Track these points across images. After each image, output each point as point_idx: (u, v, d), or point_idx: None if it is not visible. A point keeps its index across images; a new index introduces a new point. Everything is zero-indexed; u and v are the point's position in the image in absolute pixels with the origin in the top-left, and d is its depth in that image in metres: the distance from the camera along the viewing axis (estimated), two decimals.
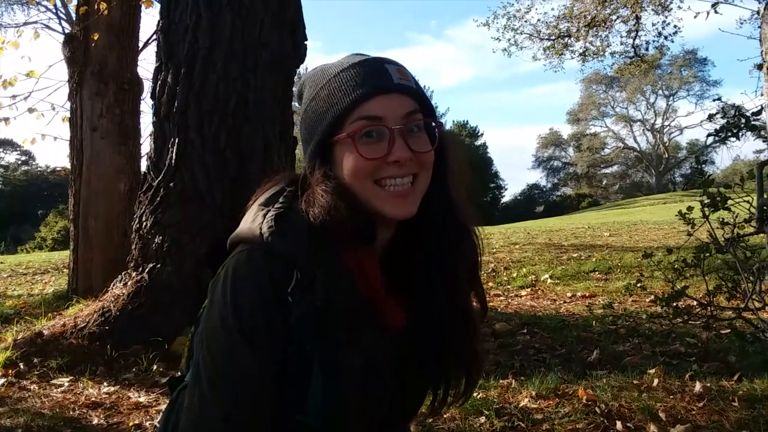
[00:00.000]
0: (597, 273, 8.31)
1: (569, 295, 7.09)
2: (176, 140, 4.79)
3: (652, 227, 14.52)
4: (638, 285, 3.27)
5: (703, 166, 3.44)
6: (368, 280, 1.10)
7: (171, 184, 4.74)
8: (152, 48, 7.53)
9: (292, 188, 1.20)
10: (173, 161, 4.77)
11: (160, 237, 4.73)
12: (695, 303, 2.93)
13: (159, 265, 4.71)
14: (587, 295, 6.93)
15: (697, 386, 3.44)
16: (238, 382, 1.03)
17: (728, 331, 2.88)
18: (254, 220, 1.12)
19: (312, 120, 1.15)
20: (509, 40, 17.77)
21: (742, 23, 14.18)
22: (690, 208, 3.08)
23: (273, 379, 1.05)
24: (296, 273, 1.05)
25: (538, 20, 17.53)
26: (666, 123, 63.73)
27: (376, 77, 1.09)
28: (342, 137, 1.09)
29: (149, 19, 19.80)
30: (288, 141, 5.40)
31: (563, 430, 3.04)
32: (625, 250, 9.97)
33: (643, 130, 64.70)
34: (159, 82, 5.04)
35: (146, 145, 6.67)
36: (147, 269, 4.74)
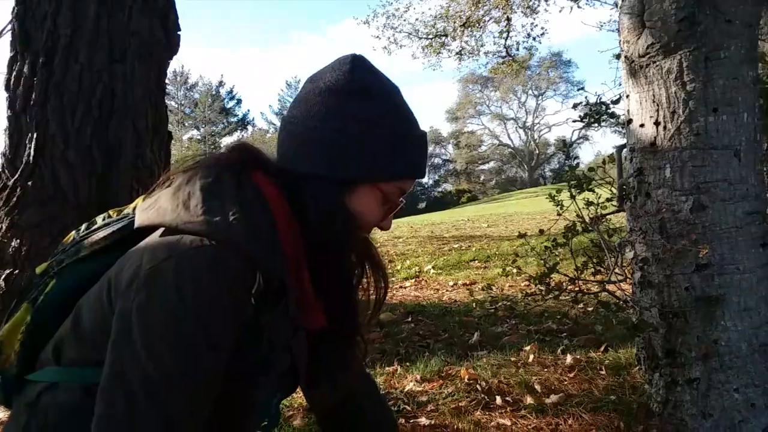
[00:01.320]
0: (476, 262, 8.63)
1: (451, 283, 7.30)
2: (34, 135, 4.40)
3: (525, 217, 15.30)
4: (513, 264, 3.40)
5: (570, 149, 3.63)
6: (305, 284, 1.11)
7: (29, 183, 4.36)
8: (7, 38, 6.90)
9: (232, 178, 1.10)
10: (31, 158, 4.39)
11: (18, 240, 4.34)
12: (565, 279, 3.09)
13: (17, 271, 4.33)
14: (468, 282, 7.17)
15: (568, 359, 3.65)
16: (188, 387, 0.94)
17: (595, 306, 3.07)
18: (208, 211, 1.02)
19: (366, 146, 1.11)
20: (389, 38, 18.06)
21: (601, 26, 15.27)
22: (559, 191, 3.24)
23: (219, 381, 0.99)
24: (260, 277, 1.00)
25: (417, 19, 17.93)
26: (536, 121, 67.65)
27: (424, 159, 1.18)
28: (384, 188, 1.15)
29: (3, 5, 18.11)
30: (162, 135, 5.14)
31: (447, 408, 3.11)
32: (501, 239, 10.46)
33: (516, 127, 68.34)
34: (14, 72, 4.62)
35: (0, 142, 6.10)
36: (3, 276, 4.34)
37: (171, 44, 5.17)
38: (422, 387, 3.46)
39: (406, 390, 3.36)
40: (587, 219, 3.06)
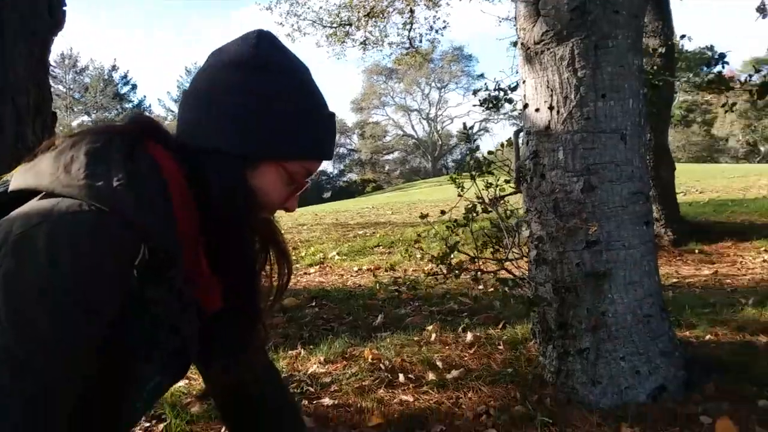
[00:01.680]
0: (381, 248, 8.72)
1: (356, 269, 7.33)
2: None
3: (429, 204, 15.62)
4: (416, 245, 3.46)
5: (472, 138, 3.73)
6: (201, 263, 1.07)
7: None
8: None
9: (124, 146, 1.01)
10: None
11: None
12: (466, 259, 3.17)
13: None
14: (372, 268, 7.23)
15: (469, 336, 3.77)
16: (64, 354, 0.87)
17: (494, 286, 3.18)
18: (91, 175, 0.94)
19: (267, 121, 1.06)
20: (292, 25, 17.78)
21: (501, 21, 15.76)
22: (460, 173, 3.32)
23: (94, 354, 0.92)
24: (144, 249, 0.93)
25: (321, 7, 17.74)
26: (439, 113, 68.98)
27: (331, 139, 1.15)
28: (289, 167, 1.10)
29: None
30: (45, 115, 4.79)
31: (351, 388, 3.12)
32: (405, 225, 10.63)
33: (420, 119, 69.40)
34: None
35: None
36: None
37: (55, 20, 4.84)
38: (326, 368, 3.46)
39: (309, 372, 3.34)
40: (486, 200, 3.15)
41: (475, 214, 3.24)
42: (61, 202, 0.91)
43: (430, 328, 4.04)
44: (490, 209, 3.19)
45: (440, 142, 70.33)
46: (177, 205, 1.01)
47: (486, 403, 2.90)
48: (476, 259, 3.04)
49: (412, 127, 71.27)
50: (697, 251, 7.30)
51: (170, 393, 2.95)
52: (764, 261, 6.65)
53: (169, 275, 0.97)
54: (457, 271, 3.17)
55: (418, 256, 3.11)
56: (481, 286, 3.76)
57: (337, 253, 8.39)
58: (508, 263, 3.13)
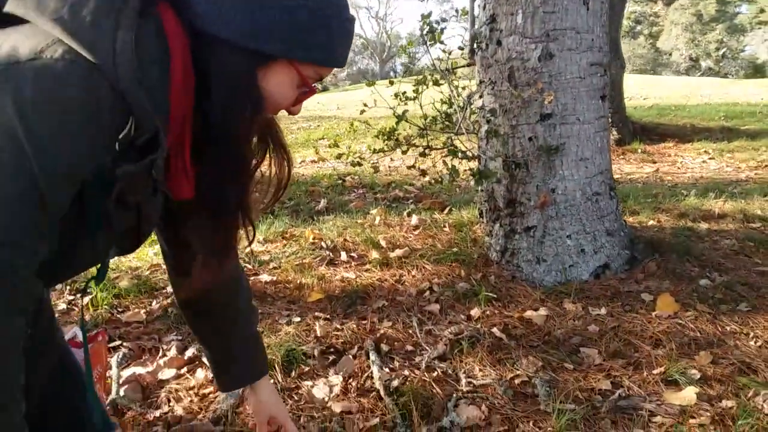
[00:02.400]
0: (326, 140, 8.46)
1: (300, 160, 7.10)
2: None
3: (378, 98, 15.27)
4: (363, 123, 3.26)
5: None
6: (184, 149, 0.99)
7: None
8: None
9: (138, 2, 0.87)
10: None
11: None
12: (414, 135, 3.00)
13: None
14: (316, 159, 7.01)
15: (414, 219, 3.67)
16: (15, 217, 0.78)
17: (439, 176, 3.04)
18: (97, 24, 0.81)
19: (292, 19, 0.95)
20: None
21: None
22: (411, 43, 3.08)
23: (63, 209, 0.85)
24: (132, 122, 0.85)
25: None
26: (389, 12, 66.73)
27: (349, 44, 1.04)
28: (303, 70, 0.99)
29: None
30: None
31: (290, 265, 2.99)
32: (353, 119, 10.33)
33: (369, 17, 67.06)
34: None
35: None
36: None
37: None
38: (264, 247, 3.31)
39: (247, 251, 3.18)
40: (439, 70, 2.95)
41: (425, 87, 3.04)
42: (56, 45, 0.80)
43: (374, 212, 3.92)
44: (441, 81, 2.99)
45: (389, 44, 68.50)
46: (176, 88, 0.92)
47: (430, 280, 2.82)
48: (425, 131, 2.87)
49: (361, 25, 69.00)
50: (639, 151, 7.36)
51: None
52: (703, 162, 6.76)
53: (150, 158, 0.89)
54: (404, 147, 3.00)
55: (363, 129, 2.92)
56: (427, 177, 3.63)
57: None
58: (457, 140, 2.98)
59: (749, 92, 15.26)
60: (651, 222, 3.61)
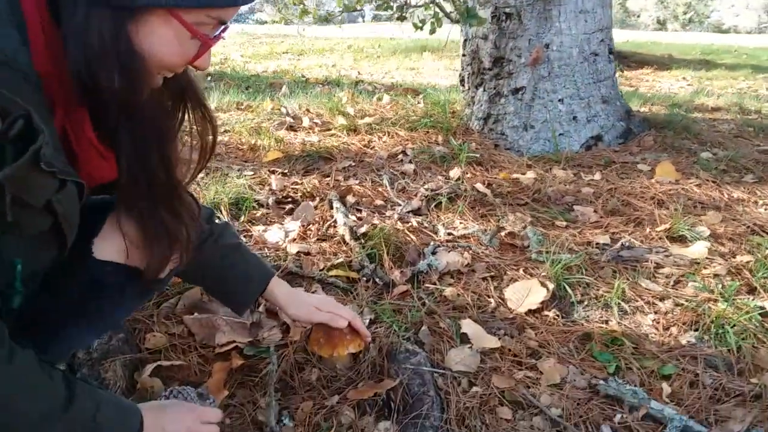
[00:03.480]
0: (289, 54, 7.97)
1: (261, 70, 6.62)
2: None
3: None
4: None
5: None
6: (78, 127, 0.85)
7: None
8: None
9: None
10: None
11: None
12: None
13: None
14: (278, 70, 6.53)
15: (386, 98, 3.32)
16: None
17: (421, 25, 2.70)
18: None
19: None
20: None
21: None
22: None
23: None
24: None
25: None
26: None
27: None
28: (186, 17, 0.78)
29: None
30: None
31: (245, 128, 2.63)
32: (317, 39, 9.78)
33: None
34: None
35: None
36: None
37: None
38: (216, 115, 2.92)
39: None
40: None
41: None
42: None
43: (341, 93, 3.54)
44: None
45: None
46: (37, 52, 0.76)
47: (403, 144, 2.49)
48: None
49: None
50: (617, 75, 7.10)
51: None
52: (681, 87, 6.54)
53: (32, 149, 0.72)
54: (379, 1, 2.63)
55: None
56: (405, 23, 3.26)
57: (241, 55, 7.59)
58: None
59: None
60: (643, 109, 3.33)
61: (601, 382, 1.27)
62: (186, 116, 0.98)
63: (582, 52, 2.46)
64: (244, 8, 0.92)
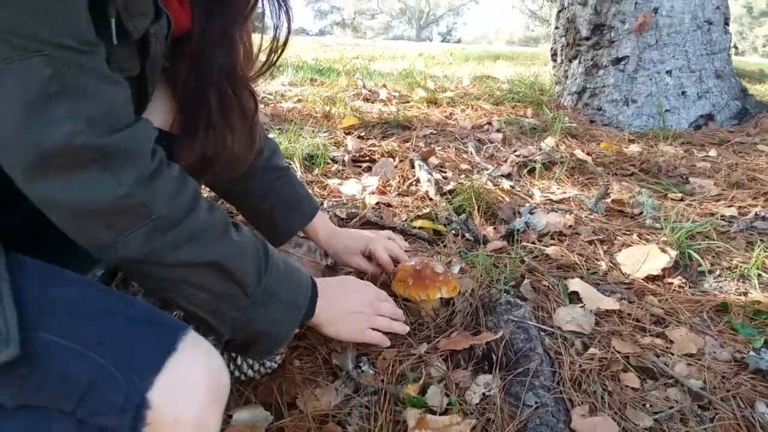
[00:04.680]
0: (360, 60, 7.92)
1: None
2: None
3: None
4: None
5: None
6: None
7: None
8: None
9: None
10: None
11: None
12: None
13: None
14: (350, 68, 6.47)
15: (466, 81, 3.12)
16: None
17: None
18: None
19: None
20: None
21: None
22: None
23: None
24: None
25: None
26: None
27: None
28: None
29: None
30: None
31: (319, 98, 2.48)
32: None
33: None
34: None
35: None
36: None
37: None
38: (288, 89, 2.80)
39: (270, 91, 2.68)
40: None
41: None
42: None
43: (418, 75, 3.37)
44: None
45: (428, 9, 67.13)
46: None
47: (488, 117, 2.29)
48: None
49: None
50: None
51: None
52: None
53: None
54: None
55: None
56: None
57: (312, 59, 7.55)
58: None
59: None
60: (753, 91, 3.01)
61: (752, 353, 1.02)
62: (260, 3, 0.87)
63: (695, 19, 2.21)
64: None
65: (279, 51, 0.92)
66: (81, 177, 0.59)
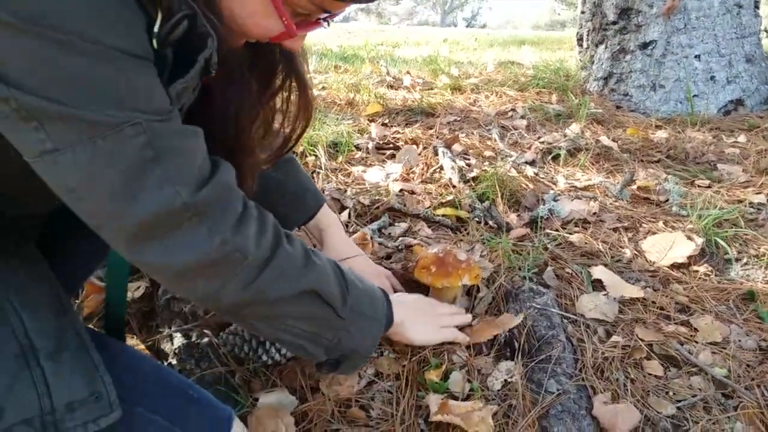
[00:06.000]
0: (384, 46, 7.88)
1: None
2: None
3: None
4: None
5: None
6: None
7: None
8: None
9: None
10: None
11: None
12: None
13: None
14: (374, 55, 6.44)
15: (490, 67, 3.10)
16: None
17: None
18: None
19: None
20: None
21: None
22: None
23: None
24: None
25: None
26: None
27: None
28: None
29: None
30: None
31: (343, 85, 2.49)
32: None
33: None
34: None
35: None
36: None
37: None
38: (312, 75, 2.81)
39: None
40: None
41: None
42: None
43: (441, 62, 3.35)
44: None
45: None
46: None
47: (512, 103, 2.28)
48: None
49: None
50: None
51: None
52: None
53: (202, 56, 0.62)
54: None
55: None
56: None
57: (338, 46, 7.54)
58: None
59: None
60: None
61: None
62: (281, 94, 0.84)
63: (724, 3, 2.17)
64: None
65: (292, 142, 0.90)
66: (178, 237, 0.60)
